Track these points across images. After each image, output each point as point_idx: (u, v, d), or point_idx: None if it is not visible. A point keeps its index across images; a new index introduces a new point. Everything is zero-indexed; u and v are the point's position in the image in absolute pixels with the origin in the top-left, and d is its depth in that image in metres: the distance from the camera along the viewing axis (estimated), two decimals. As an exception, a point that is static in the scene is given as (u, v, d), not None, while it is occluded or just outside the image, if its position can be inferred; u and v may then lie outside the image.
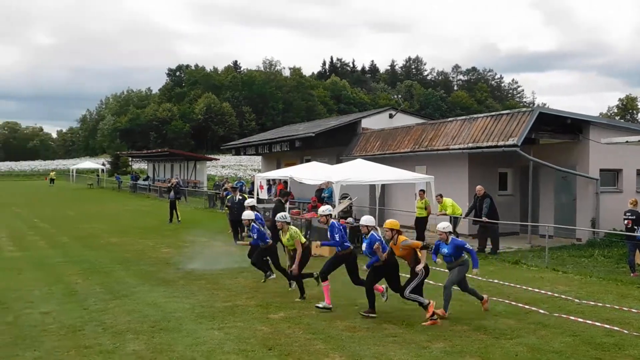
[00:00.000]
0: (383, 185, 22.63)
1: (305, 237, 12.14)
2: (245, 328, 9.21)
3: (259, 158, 48.74)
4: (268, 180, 27.48)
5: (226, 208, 20.96)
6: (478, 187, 18.02)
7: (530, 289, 12.26)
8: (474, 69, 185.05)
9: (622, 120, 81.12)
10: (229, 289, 12.25)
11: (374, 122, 29.38)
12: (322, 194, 21.39)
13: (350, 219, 17.43)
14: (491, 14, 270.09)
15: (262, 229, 12.78)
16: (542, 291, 12.03)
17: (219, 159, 77.56)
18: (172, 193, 26.57)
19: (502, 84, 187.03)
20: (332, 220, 10.94)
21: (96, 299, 11.28)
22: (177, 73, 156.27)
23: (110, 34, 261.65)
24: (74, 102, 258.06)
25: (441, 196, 18.62)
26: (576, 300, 11.25)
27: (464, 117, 22.62)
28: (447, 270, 10.32)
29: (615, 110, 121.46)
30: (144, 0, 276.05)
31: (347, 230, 14.60)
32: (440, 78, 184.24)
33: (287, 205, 18.91)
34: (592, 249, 17.41)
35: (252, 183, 28.48)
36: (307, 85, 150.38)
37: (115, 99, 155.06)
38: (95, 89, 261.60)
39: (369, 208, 23.88)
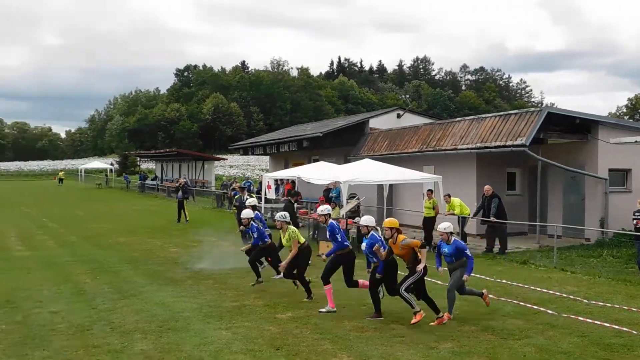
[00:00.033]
0: (391, 185, 22.63)
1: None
2: (252, 328, 9.22)
3: (266, 158, 48.81)
4: (276, 180, 27.52)
5: (234, 208, 20.99)
6: (486, 187, 17.97)
7: (538, 289, 12.22)
8: (482, 68, 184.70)
9: (631, 120, 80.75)
10: (237, 288, 12.27)
11: (381, 122, 29.36)
12: (330, 194, 21.37)
13: (358, 219, 17.40)
14: (499, 14, 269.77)
15: (262, 227, 12.77)
16: (551, 291, 11.99)
17: (226, 159, 77.66)
18: (180, 193, 26.64)
19: (510, 84, 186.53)
20: (330, 220, 10.86)
21: (104, 299, 11.32)
22: (185, 73, 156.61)
23: (119, 34, 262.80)
24: (83, 103, 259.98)
25: (449, 196, 18.58)
26: (585, 300, 11.20)
27: (472, 117, 22.58)
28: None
29: (624, 110, 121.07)
30: (153, 1, 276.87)
31: (354, 231, 14.58)
32: (448, 78, 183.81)
33: (296, 205, 18.92)
34: (600, 249, 17.33)
35: (260, 183, 28.51)
36: (314, 85, 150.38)
37: (123, 99, 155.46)
38: (103, 89, 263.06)
39: (376, 208, 23.89)
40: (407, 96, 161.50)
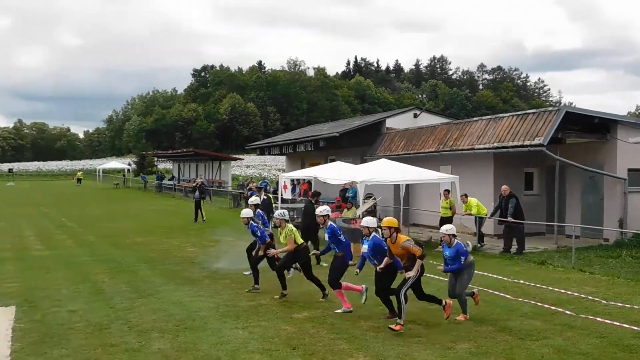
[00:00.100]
0: (407, 185, 22.56)
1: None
2: (269, 327, 9.23)
3: (283, 158, 48.88)
4: (292, 180, 27.55)
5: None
6: (503, 186, 17.88)
7: (556, 289, 12.13)
8: (499, 68, 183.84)
9: (651, 119, 79.86)
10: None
11: (398, 121, 29.29)
12: (347, 194, 21.36)
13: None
14: (516, 12, 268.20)
15: (262, 227, 12.72)
16: (569, 292, 11.89)
17: (243, 159, 77.89)
18: (197, 193, 26.75)
19: (528, 83, 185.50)
20: (329, 222, 10.77)
21: (122, 298, 11.38)
22: (202, 73, 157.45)
23: (137, 35, 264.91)
24: (101, 103, 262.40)
25: (466, 196, 18.52)
26: (603, 301, 11.10)
27: (489, 117, 22.46)
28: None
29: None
30: (170, 2, 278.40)
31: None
32: (465, 77, 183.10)
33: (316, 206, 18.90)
34: (619, 250, 17.15)
35: (277, 183, 28.55)
36: (331, 85, 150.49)
37: (141, 99, 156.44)
38: (122, 89, 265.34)
39: (393, 208, 23.84)
40: (424, 96, 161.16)
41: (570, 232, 17.24)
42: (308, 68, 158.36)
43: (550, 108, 19.92)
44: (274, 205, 20.73)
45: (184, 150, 68.07)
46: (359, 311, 10.19)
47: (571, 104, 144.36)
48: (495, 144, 19.83)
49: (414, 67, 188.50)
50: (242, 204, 33.72)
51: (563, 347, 8.22)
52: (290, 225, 11.26)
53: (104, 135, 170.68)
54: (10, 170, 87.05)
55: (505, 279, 13.25)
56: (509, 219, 17.24)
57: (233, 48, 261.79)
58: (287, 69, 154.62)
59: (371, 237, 9.64)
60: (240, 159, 68.36)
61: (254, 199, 14.40)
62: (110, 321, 9.63)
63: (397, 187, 23.51)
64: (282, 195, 23.66)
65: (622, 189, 19.03)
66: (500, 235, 18.90)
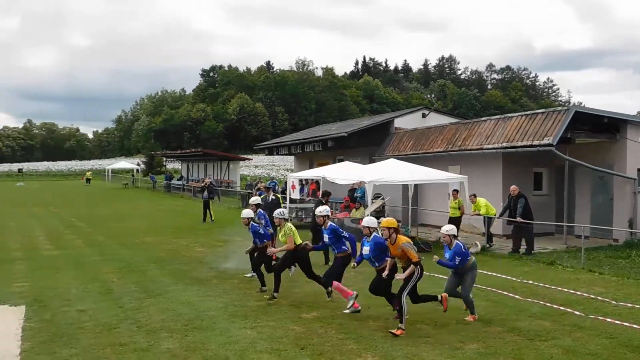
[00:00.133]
0: (416, 185, 22.52)
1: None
2: (277, 327, 9.24)
3: (291, 158, 48.91)
4: (301, 180, 27.55)
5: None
6: (512, 186, 17.83)
7: (565, 290, 12.09)
8: (508, 67, 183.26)
9: (661, 119, 79.45)
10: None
11: (406, 121, 29.24)
12: (355, 194, 21.36)
13: (382, 219, 17.34)
14: (525, 12, 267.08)
15: (264, 227, 12.68)
16: (578, 292, 11.85)
17: (252, 159, 77.96)
18: (205, 193, 26.82)
19: (537, 83, 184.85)
20: (329, 223, 10.78)
21: (131, 298, 11.42)
22: (211, 74, 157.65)
23: (146, 36, 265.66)
24: (110, 103, 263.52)
25: (475, 196, 18.49)
26: (613, 302, 11.05)
27: (498, 117, 22.38)
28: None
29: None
30: (179, 2, 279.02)
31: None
32: (473, 77, 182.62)
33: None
34: (629, 250, 17.06)
35: (285, 183, 28.55)
36: (339, 85, 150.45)
37: (149, 99, 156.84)
38: (130, 90, 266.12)
39: (401, 208, 23.81)
40: (433, 95, 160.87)
41: (579, 232, 17.18)
42: (316, 68, 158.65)
43: (560, 108, 19.83)
44: (282, 205, 20.72)
45: (193, 150, 68.21)
46: (368, 311, 10.19)
47: (580, 103, 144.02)
48: (504, 144, 19.77)
49: (422, 67, 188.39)
50: (250, 204, 33.78)
51: (572, 348, 8.19)
52: (289, 224, 11.24)
53: (113, 135, 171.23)
54: (20, 170, 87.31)
55: (514, 279, 13.21)
56: (518, 219, 17.19)
57: (241, 48, 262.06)
58: (295, 69, 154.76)
59: (372, 237, 9.64)
60: (248, 159, 68.44)
61: (255, 199, 14.43)
62: (119, 321, 9.66)
63: (405, 187, 23.46)
64: (290, 195, 23.68)
65: (632, 189, 18.95)
66: (509, 236, 18.84)
